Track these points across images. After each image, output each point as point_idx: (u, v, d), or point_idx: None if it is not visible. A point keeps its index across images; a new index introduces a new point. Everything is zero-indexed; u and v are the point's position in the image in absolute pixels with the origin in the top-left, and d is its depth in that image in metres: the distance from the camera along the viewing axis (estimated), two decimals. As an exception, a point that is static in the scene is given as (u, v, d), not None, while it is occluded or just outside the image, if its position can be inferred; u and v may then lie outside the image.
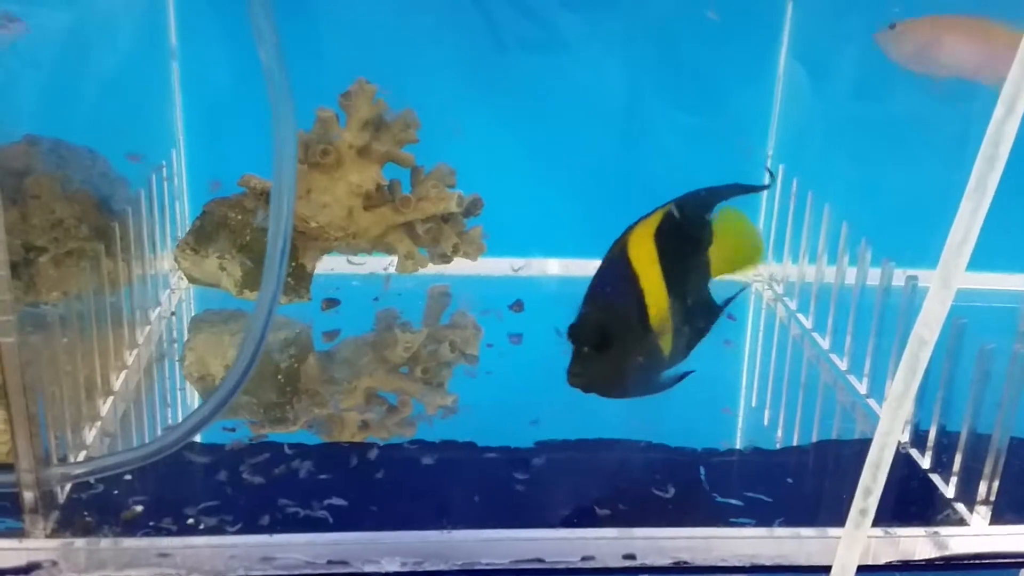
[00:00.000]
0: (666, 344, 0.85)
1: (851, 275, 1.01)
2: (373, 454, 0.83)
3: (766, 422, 0.98)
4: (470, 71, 1.22)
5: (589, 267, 1.23)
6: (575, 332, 0.81)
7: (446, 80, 1.21)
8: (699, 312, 0.89)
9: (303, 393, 0.97)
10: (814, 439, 0.93)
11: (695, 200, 0.88)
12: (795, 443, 0.93)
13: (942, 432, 0.82)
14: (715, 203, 0.89)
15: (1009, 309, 1.06)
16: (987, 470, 0.75)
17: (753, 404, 1.02)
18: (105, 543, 0.70)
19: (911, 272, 0.87)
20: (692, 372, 0.88)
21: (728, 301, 0.90)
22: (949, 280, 0.59)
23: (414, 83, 1.19)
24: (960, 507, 0.78)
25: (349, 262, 1.21)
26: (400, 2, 1.17)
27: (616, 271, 0.84)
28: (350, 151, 1.07)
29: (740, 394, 1.05)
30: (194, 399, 0.96)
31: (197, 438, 0.84)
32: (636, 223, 0.85)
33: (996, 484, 0.75)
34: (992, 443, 0.74)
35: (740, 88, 1.23)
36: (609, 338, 0.81)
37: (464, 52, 1.21)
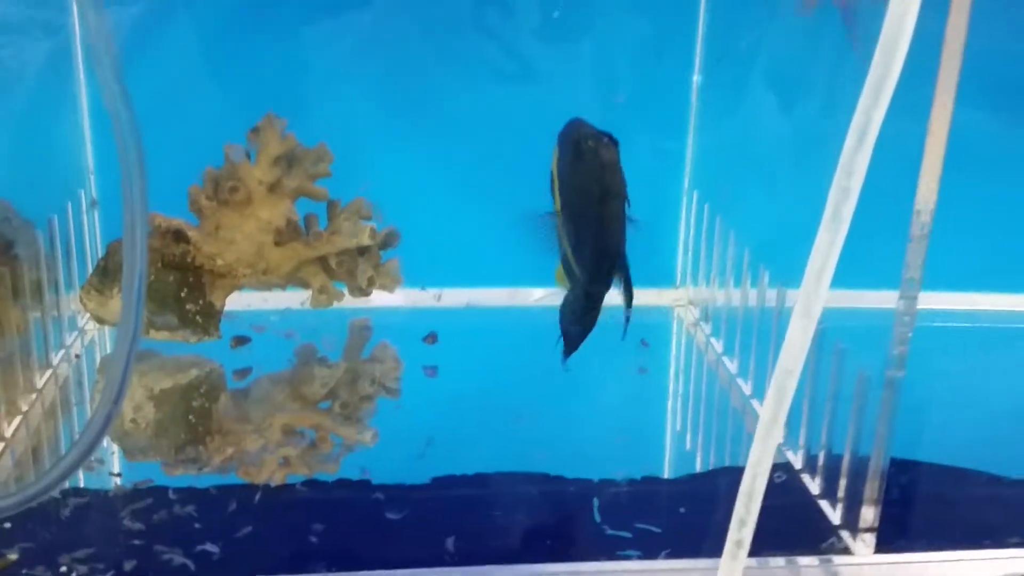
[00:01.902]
0: None
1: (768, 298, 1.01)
2: (259, 496, 0.83)
3: (688, 447, 0.98)
4: (391, 103, 1.22)
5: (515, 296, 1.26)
6: None
7: (369, 112, 1.22)
8: None
9: (216, 433, 0.96)
10: (722, 465, 0.92)
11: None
12: (706, 470, 0.93)
13: (831, 457, 0.81)
14: None
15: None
16: (869, 496, 0.74)
17: (677, 430, 1.02)
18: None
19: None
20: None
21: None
22: (810, 309, 0.59)
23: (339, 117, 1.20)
24: (845, 535, 0.77)
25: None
26: (311, 36, 1.18)
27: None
28: (260, 187, 1.06)
29: (666, 419, 1.05)
30: (105, 441, 0.95)
31: (86, 484, 0.84)
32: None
33: (879, 510, 0.75)
34: (872, 469, 0.74)
35: (655, 113, 1.23)
36: None
37: (383, 83, 1.21)
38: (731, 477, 0.90)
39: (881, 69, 0.53)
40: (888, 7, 0.51)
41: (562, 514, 0.83)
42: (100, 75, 0.60)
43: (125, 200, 0.64)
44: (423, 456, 0.90)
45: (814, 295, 0.59)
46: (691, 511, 0.83)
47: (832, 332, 0.81)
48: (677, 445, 0.99)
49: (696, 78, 1.21)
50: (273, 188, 1.07)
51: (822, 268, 0.58)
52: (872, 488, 0.74)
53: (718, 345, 1.12)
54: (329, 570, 0.72)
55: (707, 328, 1.17)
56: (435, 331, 1.15)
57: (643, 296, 1.26)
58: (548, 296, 1.22)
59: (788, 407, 0.61)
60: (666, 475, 0.92)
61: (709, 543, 0.77)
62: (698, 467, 0.94)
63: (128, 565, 0.72)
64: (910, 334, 0.71)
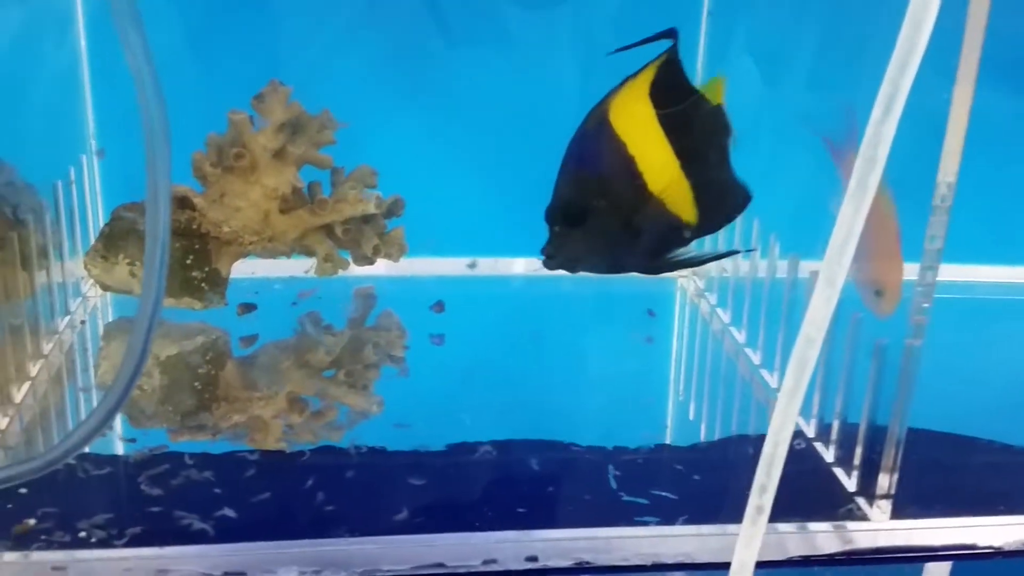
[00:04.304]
0: (685, 210, 0.80)
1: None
2: (274, 462, 0.82)
3: (691, 416, 0.98)
4: (395, 69, 1.21)
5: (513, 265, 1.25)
6: (547, 212, 0.79)
7: (373, 79, 1.21)
8: (722, 182, 0.82)
9: (222, 400, 0.95)
10: (731, 434, 0.93)
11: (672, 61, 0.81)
12: (714, 438, 0.93)
13: (846, 426, 0.82)
14: None
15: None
16: (885, 464, 0.75)
17: (680, 398, 1.02)
18: (-3, 558, 0.70)
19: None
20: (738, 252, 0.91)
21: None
22: (834, 279, 0.59)
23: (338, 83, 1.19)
24: (861, 501, 0.78)
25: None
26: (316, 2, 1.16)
27: (593, 142, 0.79)
28: (265, 154, 1.05)
29: (668, 389, 1.05)
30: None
31: (97, 450, 0.83)
32: (618, 87, 0.80)
33: (895, 478, 0.75)
34: (889, 437, 0.74)
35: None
36: (583, 214, 0.78)
37: (387, 50, 1.20)
38: (741, 445, 0.91)
39: (909, 38, 0.54)
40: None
41: (575, 481, 0.83)
42: (123, 40, 0.60)
43: (148, 168, 0.63)
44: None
45: (838, 265, 0.59)
46: (704, 479, 0.84)
47: (848, 303, 0.81)
48: (680, 414, 0.99)
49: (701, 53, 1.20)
50: (278, 155, 1.06)
51: (847, 238, 0.58)
52: (889, 456, 0.75)
53: (725, 315, 1.13)
54: (351, 534, 0.72)
55: (712, 298, 1.18)
56: (442, 300, 1.15)
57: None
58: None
59: (810, 375, 0.61)
60: (670, 442, 0.92)
61: (724, 510, 0.78)
62: (702, 435, 0.94)
63: (152, 528, 0.72)
64: (929, 304, 0.71)
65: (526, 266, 1.26)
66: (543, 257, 0.81)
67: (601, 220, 0.78)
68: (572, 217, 0.79)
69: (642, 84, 0.79)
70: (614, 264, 0.82)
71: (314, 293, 1.17)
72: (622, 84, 0.80)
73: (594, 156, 0.79)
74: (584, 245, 0.79)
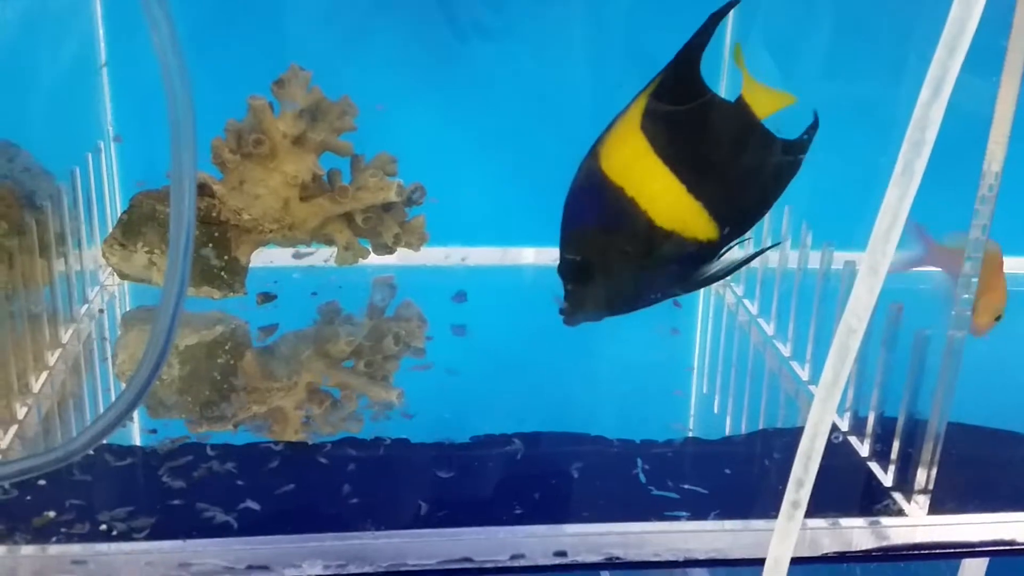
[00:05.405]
0: (700, 230, 0.76)
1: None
2: (298, 454, 0.81)
3: (716, 409, 0.96)
4: (415, 57, 1.20)
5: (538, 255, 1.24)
6: (558, 270, 0.78)
7: (391, 67, 1.19)
8: (755, 164, 0.77)
9: (241, 391, 0.94)
10: (758, 427, 0.91)
11: (682, 63, 0.76)
12: (740, 432, 0.92)
13: (881, 419, 0.80)
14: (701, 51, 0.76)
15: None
16: (924, 458, 0.73)
17: (704, 391, 1.01)
18: (16, 550, 0.68)
19: (852, 255, 0.85)
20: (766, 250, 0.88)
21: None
22: (877, 267, 0.57)
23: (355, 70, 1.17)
24: (898, 496, 0.76)
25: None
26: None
27: (589, 194, 0.76)
28: (284, 140, 1.04)
29: (692, 381, 1.03)
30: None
31: (117, 440, 0.82)
32: (607, 129, 0.76)
33: (933, 473, 0.74)
34: (928, 431, 0.72)
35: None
36: (592, 270, 0.76)
37: (408, 38, 1.19)
38: (771, 439, 0.89)
39: (958, 20, 0.52)
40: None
41: (603, 474, 0.81)
42: (148, 18, 0.58)
43: (173, 153, 0.62)
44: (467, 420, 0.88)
45: (881, 252, 0.57)
46: (735, 473, 0.82)
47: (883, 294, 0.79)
48: (706, 407, 0.98)
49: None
50: (298, 141, 1.05)
51: (891, 225, 0.56)
52: (927, 450, 0.73)
53: (752, 306, 1.11)
54: (377, 528, 0.70)
55: (739, 289, 1.16)
56: (463, 290, 1.13)
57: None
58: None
59: (850, 367, 0.59)
60: (698, 436, 0.91)
61: (757, 505, 0.76)
62: (728, 429, 0.92)
63: (174, 521, 0.71)
64: (971, 295, 0.69)
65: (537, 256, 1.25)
66: (562, 316, 0.79)
67: (614, 270, 0.77)
68: (582, 276, 0.77)
69: (632, 119, 0.76)
70: (640, 303, 0.81)
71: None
72: (611, 125, 0.77)
73: (593, 208, 0.77)
74: (602, 297, 0.78)
